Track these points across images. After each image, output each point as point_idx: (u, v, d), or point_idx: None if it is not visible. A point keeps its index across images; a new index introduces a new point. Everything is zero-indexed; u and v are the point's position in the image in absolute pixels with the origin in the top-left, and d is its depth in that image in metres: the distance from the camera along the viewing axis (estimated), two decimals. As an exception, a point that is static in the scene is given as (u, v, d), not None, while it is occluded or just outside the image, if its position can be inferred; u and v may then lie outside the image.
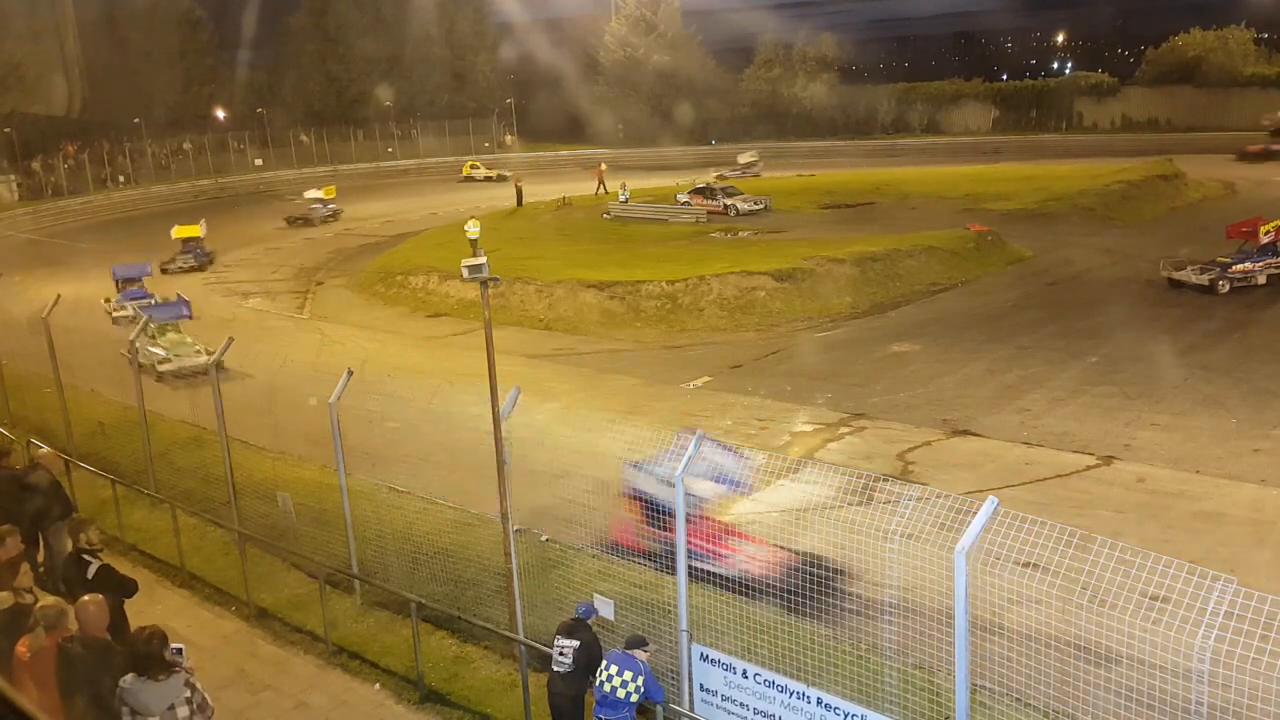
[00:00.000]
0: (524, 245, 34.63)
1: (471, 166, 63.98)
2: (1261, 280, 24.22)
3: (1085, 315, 22.94)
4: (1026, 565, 6.14)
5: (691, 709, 7.97)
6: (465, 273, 9.33)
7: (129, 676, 6.30)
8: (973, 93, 76.56)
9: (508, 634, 9.24)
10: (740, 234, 35.63)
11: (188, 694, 6.33)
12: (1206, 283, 24.04)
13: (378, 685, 9.57)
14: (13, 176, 57.93)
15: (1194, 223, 34.18)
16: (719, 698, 7.87)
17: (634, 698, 7.38)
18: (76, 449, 14.82)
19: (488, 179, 60.96)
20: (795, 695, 7.35)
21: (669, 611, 8.19)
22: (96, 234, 46.49)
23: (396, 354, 22.68)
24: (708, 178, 46.43)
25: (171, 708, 6.25)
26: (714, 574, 9.27)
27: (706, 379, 19.82)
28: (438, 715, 9.06)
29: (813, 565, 8.29)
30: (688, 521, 7.80)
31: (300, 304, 30.53)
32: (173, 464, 14.67)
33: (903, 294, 25.96)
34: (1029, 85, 76.50)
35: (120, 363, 18.67)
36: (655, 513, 9.07)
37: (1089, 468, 14.21)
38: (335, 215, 47.37)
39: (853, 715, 7.03)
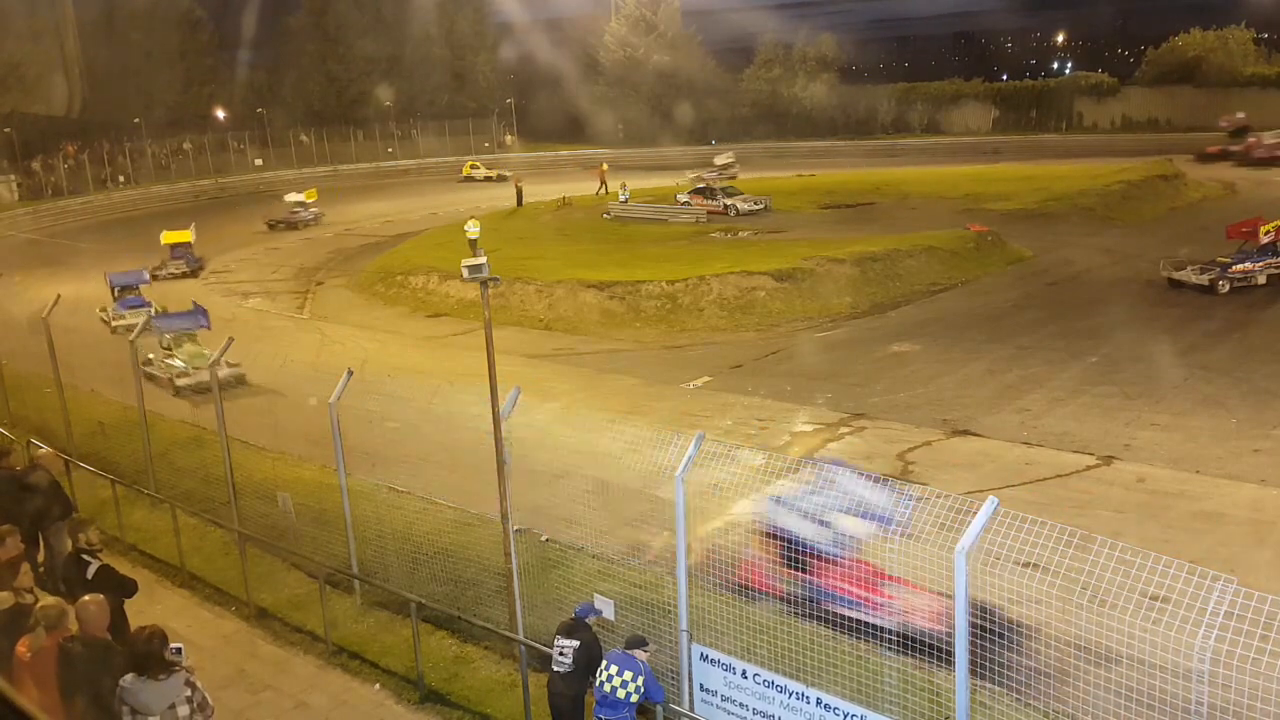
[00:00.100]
0: (524, 245, 34.63)
1: (471, 166, 63.96)
2: (1261, 280, 24.22)
3: (1085, 315, 22.94)
4: (1026, 565, 6.15)
5: (691, 709, 7.98)
6: (465, 273, 9.33)
7: (129, 676, 6.31)
8: (973, 93, 76.54)
9: (508, 634, 9.24)
10: (740, 234, 35.64)
11: (188, 693, 6.34)
12: (1206, 283, 24.04)
13: (378, 685, 9.58)
14: (13, 176, 57.91)
15: (1194, 223, 34.17)
16: (719, 698, 7.87)
17: (634, 698, 7.38)
18: (76, 449, 14.82)
19: (488, 179, 60.92)
20: (795, 695, 7.35)
21: (669, 611, 8.20)
22: (96, 234, 46.49)
23: (396, 354, 22.68)
24: (684, 180, 46.30)
25: (172, 707, 6.26)
26: (870, 625, 8.02)
27: (706, 379, 19.82)
28: (438, 715, 9.06)
29: (984, 617, 7.05)
30: (833, 562, 7.74)
31: (300, 304, 30.53)
32: (173, 464, 14.68)
33: (903, 294, 25.96)
34: (1029, 85, 76.48)
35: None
36: (796, 552, 8.24)
37: (1089, 468, 14.21)
38: (316, 219, 46.02)
39: (852, 715, 7.03)
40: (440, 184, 61.66)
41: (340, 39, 75.24)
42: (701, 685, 7.97)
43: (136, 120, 65.42)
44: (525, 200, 47.01)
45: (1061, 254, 30.25)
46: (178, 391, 19.68)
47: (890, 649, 7.64)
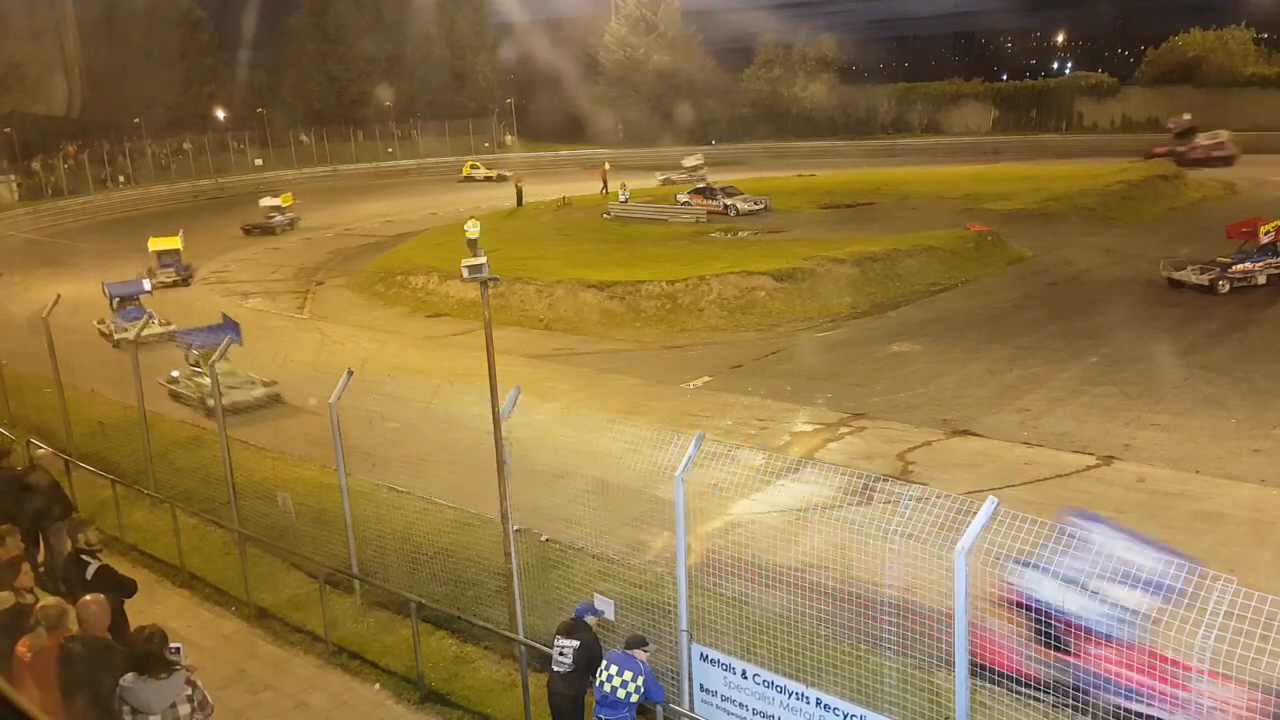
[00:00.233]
0: (524, 245, 34.63)
1: (471, 166, 63.96)
2: (1261, 280, 24.21)
3: (1085, 315, 22.94)
4: (1026, 565, 6.14)
5: (691, 709, 7.98)
6: (465, 273, 9.35)
7: (129, 675, 6.31)
8: (973, 93, 76.51)
9: (508, 634, 9.24)
10: (740, 234, 35.63)
11: (189, 691, 6.36)
12: (1206, 283, 24.04)
13: (378, 685, 9.58)
14: (13, 176, 57.93)
15: (1194, 223, 34.17)
16: (719, 698, 7.87)
17: (634, 698, 7.38)
18: (76, 449, 14.82)
19: (488, 179, 60.91)
20: (794, 696, 7.35)
21: (669, 611, 8.19)
22: (96, 234, 46.49)
23: (396, 354, 22.68)
24: (651, 181, 46.24)
25: (173, 706, 6.27)
26: None
27: (706, 379, 19.82)
28: (438, 715, 9.06)
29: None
30: (1108, 641, 6.60)
31: (300, 304, 30.53)
32: (173, 464, 14.68)
33: (903, 294, 25.96)
34: (1029, 85, 76.43)
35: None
36: (1048, 627, 6.95)
37: (1089, 468, 14.21)
38: (293, 224, 44.86)
39: (852, 715, 7.03)
40: (440, 184, 61.67)
41: (340, 39, 75.24)
42: (701, 685, 7.97)
43: (136, 120, 65.43)
44: (525, 200, 47.02)
45: (1061, 254, 30.25)
46: (210, 412, 17.35)
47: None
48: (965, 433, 15.93)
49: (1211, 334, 21.04)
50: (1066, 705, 6.79)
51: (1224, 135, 49.46)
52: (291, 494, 11.72)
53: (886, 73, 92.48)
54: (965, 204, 38.33)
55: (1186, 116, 54.26)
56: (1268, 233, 24.66)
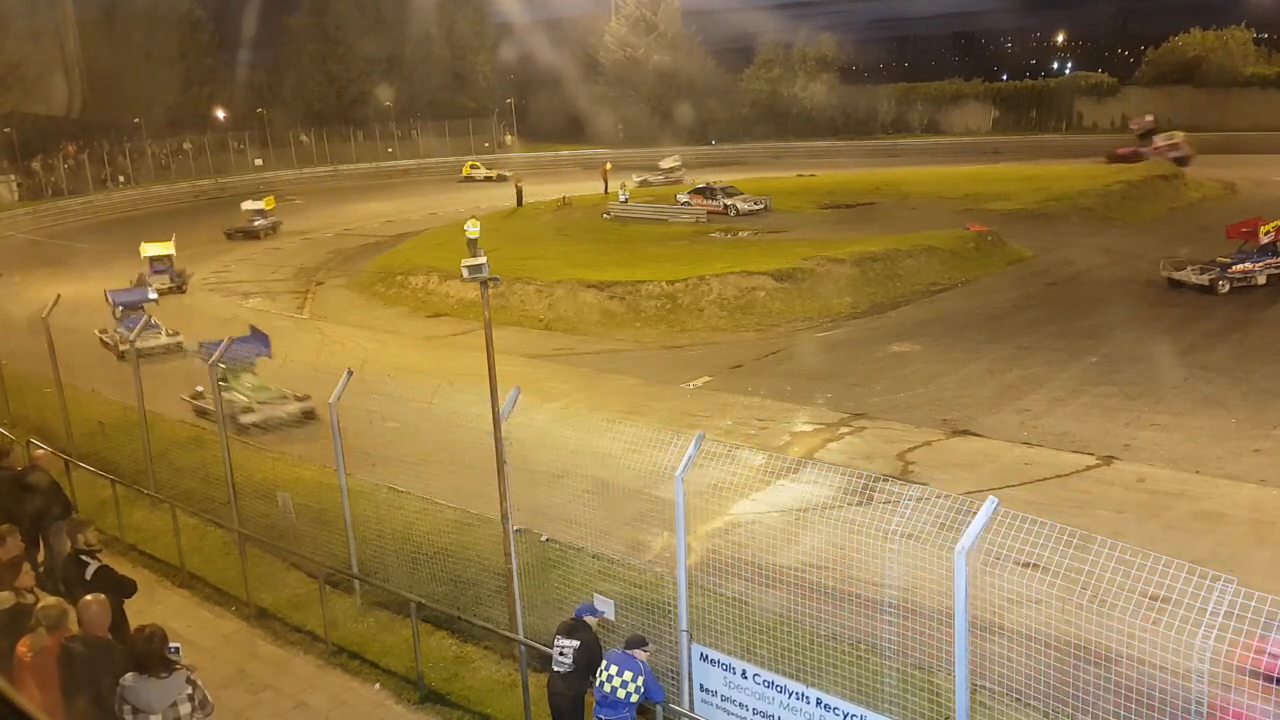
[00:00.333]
0: (524, 245, 34.63)
1: (471, 166, 63.95)
2: (1261, 280, 24.22)
3: (1085, 315, 22.95)
4: (1026, 565, 6.15)
5: (691, 709, 7.98)
6: (465, 273, 9.37)
7: (130, 675, 6.32)
8: (973, 93, 76.56)
9: (508, 634, 9.24)
10: (740, 234, 35.64)
11: (189, 690, 6.36)
12: (1206, 283, 24.04)
13: (378, 685, 9.58)
14: (13, 176, 57.91)
15: (1194, 223, 34.19)
16: (719, 698, 7.87)
17: (634, 698, 7.38)
18: (76, 449, 14.82)
19: (488, 179, 60.91)
20: (794, 695, 7.35)
21: (669, 611, 8.19)
22: (96, 234, 46.48)
23: (396, 354, 22.68)
24: (630, 182, 46.27)
25: (174, 705, 6.28)
26: None
27: (706, 379, 19.82)
28: (438, 715, 9.06)
29: None
30: None
31: (300, 304, 30.54)
32: (173, 464, 14.67)
33: (903, 294, 25.97)
34: (1029, 85, 76.51)
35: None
36: None
37: (1089, 468, 14.21)
38: (275, 228, 44.41)
39: (852, 715, 7.03)
40: (440, 184, 61.68)
41: (340, 39, 75.26)
42: (701, 685, 7.97)
43: (136, 120, 65.39)
44: (525, 200, 47.03)
45: (1061, 254, 30.26)
46: (241, 429, 16.75)
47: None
48: (965, 433, 15.93)
49: (1211, 334, 21.04)
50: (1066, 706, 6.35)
51: (1179, 136, 49.55)
52: (291, 494, 11.72)
53: (886, 73, 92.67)
54: (965, 204, 38.34)
55: (1149, 117, 54.31)
56: (1268, 233, 24.68)
